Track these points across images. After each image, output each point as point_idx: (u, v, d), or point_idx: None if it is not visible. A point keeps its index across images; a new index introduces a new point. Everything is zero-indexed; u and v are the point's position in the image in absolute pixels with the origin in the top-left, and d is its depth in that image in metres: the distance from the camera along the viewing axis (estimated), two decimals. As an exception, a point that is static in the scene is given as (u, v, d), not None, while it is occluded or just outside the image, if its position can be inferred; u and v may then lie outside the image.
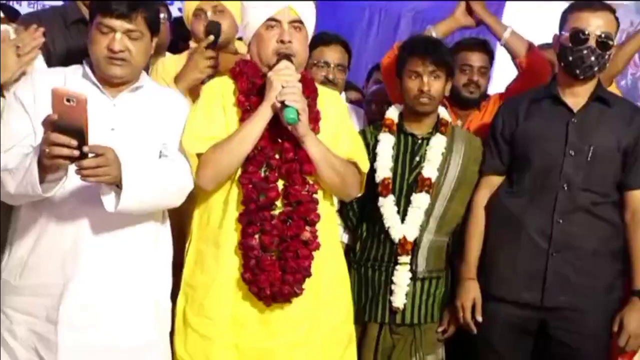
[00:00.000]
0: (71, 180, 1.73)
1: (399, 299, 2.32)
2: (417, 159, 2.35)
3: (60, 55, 2.17)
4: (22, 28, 2.05)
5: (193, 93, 2.25)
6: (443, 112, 2.38)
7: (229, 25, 2.41)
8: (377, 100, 2.89)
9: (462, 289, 2.33)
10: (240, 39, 2.72)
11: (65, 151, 1.58)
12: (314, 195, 1.98)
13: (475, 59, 2.70)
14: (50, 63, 2.13)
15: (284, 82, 1.87)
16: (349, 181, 2.05)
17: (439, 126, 2.35)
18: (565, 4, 2.33)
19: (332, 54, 2.60)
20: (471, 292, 2.31)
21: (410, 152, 2.35)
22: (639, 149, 2.23)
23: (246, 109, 1.96)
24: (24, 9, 4.51)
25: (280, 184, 1.96)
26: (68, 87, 1.58)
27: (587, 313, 2.23)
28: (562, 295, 2.22)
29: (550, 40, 2.35)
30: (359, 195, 2.17)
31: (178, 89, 2.22)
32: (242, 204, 1.95)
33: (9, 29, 2.01)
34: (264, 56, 1.97)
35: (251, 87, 1.98)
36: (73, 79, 1.88)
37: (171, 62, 2.46)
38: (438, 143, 2.33)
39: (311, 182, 1.98)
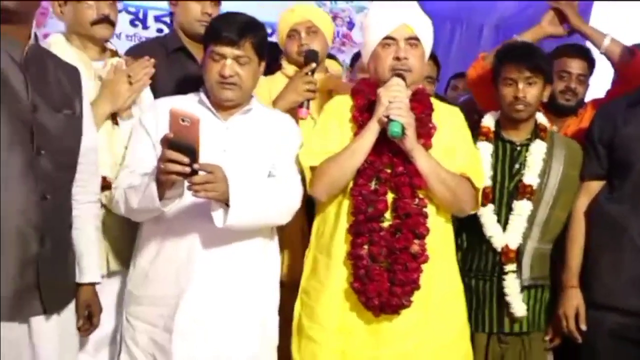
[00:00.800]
0: (187, 197, 1.85)
1: (518, 308, 2.29)
2: (517, 165, 2.33)
3: (162, 82, 2.31)
4: (131, 59, 2.22)
5: (291, 114, 2.35)
6: (541, 118, 2.37)
7: (322, 46, 2.50)
8: (467, 110, 2.91)
9: (565, 297, 2.31)
10: (330, 56, 2.83)
11: (178, 167, 1.70)
12: (424, 209, 2.01)
13: (575, 65, 2.66)
14: (153, 90, 2.27)
15: (392, 98, 1.93)
16: (461, 196, 2.06)
17: (538, 132, 2.34)
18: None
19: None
20: (574, 301, 2.29)
21: (509, 159, 2.34)
22: None
23: (360, 125, 2.05)
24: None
25: (390, 197, 2.01)
26: (184, 109, 1.70)
27: None
28: None
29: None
30: (474, 211, 2.19)
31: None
32: (352, 215, 2.02)
33: (121, 61, 2.19)
34: (381, 73, 2.05)
35: (366, 104, 2.06)
36: (190, 104, 2.01)
37: (264, 83, 2.55)
38: (538, 149, 2.32)
39: (421, 196, 2.02)
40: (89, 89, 2.00)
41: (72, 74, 1.85)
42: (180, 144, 1.68)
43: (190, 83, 2.25)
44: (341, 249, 2.05)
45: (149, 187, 1.79)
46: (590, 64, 2.72)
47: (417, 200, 2.00)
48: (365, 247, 1.99)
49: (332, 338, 2.04)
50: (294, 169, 2.09)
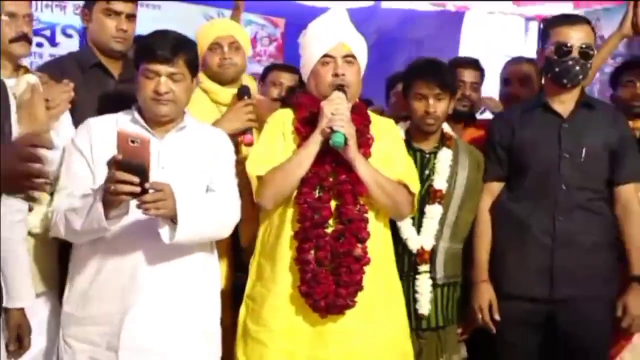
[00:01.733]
0: (127, 215, 1.85)
1: (424, 306, 2.41)
2: (427, 172, 2.46)
3: (80, 99, 2.26)
4: (47, 77, 2.16)
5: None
6: (446, 128, 2.53)
7: (243, 61, 2.55)
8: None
9: (477, 291, 2.46)
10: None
11: (128, 188, 1.70)
12: (365, 215, 2.11)
13: (468, 75, 2.88)
14: (72, 107, 2.20)
15: (334, 110, 2.03)
16: (399, 201, 2.17)
17: (444, 140, 2.49)
18: None
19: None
20: (486, 294, 2.45)
21: (419, 166, 2.45)
22: (624, 148, 2.42)
23: (303, 136, 2.12)
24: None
25: (332, 204, 2.09)
26: (129, 129, 1.71)
27: (591, 302, 2.39)
28: (568, 287, 2.37)
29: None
30: (411, 215, 2.31)
31: None
32: (298, 222, 2.09)
33: (36, 79, 2.10)
34: (321, 89, 2.14)
35: (308, 117, 2.14)
36: (124, 122, 2.01)
37: None
38: (445, 156, 2.46)
39: (362, 202, 2.11)
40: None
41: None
42: (130, 164, 1.69)
43: (109, 100, 2.23)
44: (286, 254, 2.11)
45: (95, 208, 1.77)
46: (481, 73, 2.96)
47: (358, 206, 2.10)
48: (312, 252, 2.07)
49: (278, 339, 2.09)
50: (231, 183, 2.13)
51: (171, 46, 1.96)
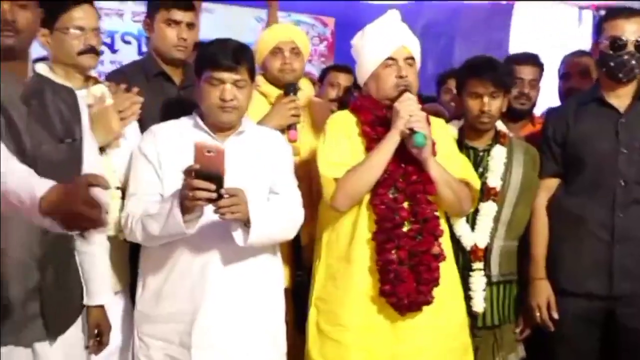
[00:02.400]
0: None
1: (478, 304, 2.41)
2: (480, 170, 2.45)
3: (145, 107, 2.32)
4: (115, 87, 2.25)
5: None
6: (500, 125, 2.52)
7: (301, 67, 2.61)
8: None
9: (535, 289, 2.46)
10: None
11: (206, 194, 1.79)
12: (436, 213, 2.17)
13: (526, 72, 2.83)
14: None
15: (410, 112, 2.08)
16: (464, 199, 2.24)
17: (498, 138, 2.48)
18: None
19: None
20: (544, 291, 2.45)
21: (473, 164, 2.44)
22: None
23: (373, 138, 2.17)
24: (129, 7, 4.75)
25: (405, 204, 2.14)
26: (206, 141, 1.83)
27: None
28: (627, 283, 2.36)
29: None
30: (472, 210, 2.36)
31: None
32: (377, 223, 2.13)
33: (104, 89, 2.21)
34: (385, 91, 2.18)
35: (375, 119, 2.18)
36: (186, 129, 2.09)
37: None
38: (499, 154, 2.45)
39: (434, 201, 2.17)
40: None
41: (70, 98, 1.87)
42: (207, 172, 1.78)
43: (172, 106, 2.31)
44: (362, 255, 2.16)
45: (172, 214, 1.86)
46: (540, 69, 2.90)
47: (431, 205, 2.16)
48: (393, 251, 2.11)
49: (358, 338, 2.15)
50: (293, 186, 2.19)
51: (234, 54, 2.02)
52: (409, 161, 2.14)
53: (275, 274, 2.18)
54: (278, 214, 2.07)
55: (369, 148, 2.17)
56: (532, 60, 2.91)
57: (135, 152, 2.11)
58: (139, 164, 2.08)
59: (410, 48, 2.22)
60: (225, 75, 2.01)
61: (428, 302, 2.13)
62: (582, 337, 2.45)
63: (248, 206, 1.91)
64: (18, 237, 1.68)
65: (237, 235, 1.96)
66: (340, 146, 2.19)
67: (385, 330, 2.16)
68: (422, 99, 2.51)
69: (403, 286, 2.10)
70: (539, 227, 2.50)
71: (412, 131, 2.07)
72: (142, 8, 4.79)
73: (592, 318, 2.42)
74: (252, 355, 2.08)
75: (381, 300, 2.14)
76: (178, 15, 2.51)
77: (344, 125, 2.24)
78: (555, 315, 2.44)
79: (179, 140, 2.06)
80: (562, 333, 2.45)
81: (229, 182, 1.91)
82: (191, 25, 2.54)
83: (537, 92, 2.89)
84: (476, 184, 2.29)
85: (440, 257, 2.16)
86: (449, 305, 2.22)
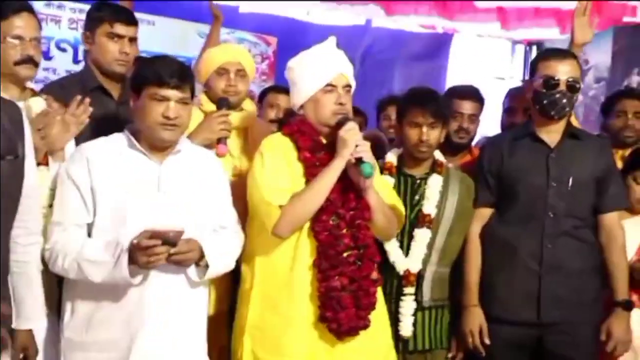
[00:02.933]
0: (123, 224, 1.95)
1: (406, 328, 2.46)
2: (417, 197, 2.51)
3: None
4: (52, 100, 2.17)
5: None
6: (438, 155, 2.57)
7: (245, 88, 2.58)
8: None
9: (467, 315, 2.50)
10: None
11: (162, 257, 1.89)
12: (374, 239, 2.21)
13: (467, 107, 2.87)
14: None
15: (357, 141, 2.10)
16: (394, 223, 2.30)
17: (436, 167, 2.54)
18: None
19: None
20: (477, 318, 2.49)
21: (410, 191, 2.52)
22: (608, 177, 2.49)
23: (313, 165, 2.16)
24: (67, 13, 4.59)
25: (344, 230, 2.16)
26: (162, 227, 1.88)
27: (578, 325, 2.45)
28: (556, 311, 2.43)
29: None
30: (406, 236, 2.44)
31: None
32: (320, 251, 2.12)
33: (43, 105, 2.11)
34: (323, 116, 2.18)
35: (314, 145, 2.18)
36: (120, 148, 2.04)
37: None
38: (435, 182, 2.51)
39: (369, 226, 2.20)
40: None
41: (14, 113, 1.80)
42: (164, 238, 1.87)
43: (109, 121, 2.24)
44: (303, 281, 2.15)
45: (119, 268, 1.89)
46: (481, 104, 2.96)
47: (369, 231, 2.19)
48: (336, 278, 2.11)
49: None
50: (235, 215, 2.21)
51: (180, 72, 2.01)
52: (347, 188, 2.16)
53: (202, 298, 2.16)
54: (229, 249, 2.12)
55: (309, 174, 2.17)
56: (473, 95, 2.95)
57: (62, 175, 2.03)
58: (65, 189, 2.01)
59: (348, 76, 2.24)
60: (170, 92, 1.99)
61: (366, 326, 2.15)
62: None
63: (202, 248, 1.97)
64: None
65: (192, 272, 2.01)
66: (281, 171, 2.17)
67: (326, 355, 2.17)
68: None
69: (345, 312, 2.11)
70: (473, 255, 2.55)
71: (359, 161, 2.09)
72: (79, 15, 4.68)
73: (522, 344, 2.49)
74: None
75: (321, 326, 2.14)
76: (121, 29, 2.47)
77: (281, 149, 2.22)
78: (487, 341, 2.48)
79: (112, 160, 2.01)
80: (493, 358, 2.50)
81: (165, 202, 1.94)
82: (133, 40, 2.50)
83: (476, 127, 2.95)
84: (402, 208, 2.35)
85: (378, 282, 2.19)
86: (377, 327, 2.24)
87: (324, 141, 2.22)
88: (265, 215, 2.14)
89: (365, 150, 2.10)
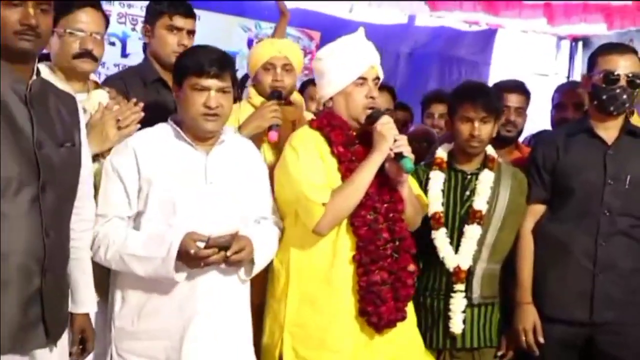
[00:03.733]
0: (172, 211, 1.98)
1: (456, 325, 2.44)
2: (468, 193, 2.49)
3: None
4: (115, 92, 2.20)
5: (253, 139, 2.43)
6: (490, 150, 2.54)
7: (293, 82, 2.60)
8: (417, 140, 3.07)
9: (521, 313, 2.47)
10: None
11: (217, 259, 1.92)
12: (408, 230, 2.22)
13: (513, 99, 2.85)
14: None
15: (395, 135, 2.09)
16: (420, 214, 2.33)
17: (487, 162, 2.50)
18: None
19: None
20: (531, 316, 2.47)
21: (460, 187, 2.49)
22: None
23: (349, 159, 2.14)
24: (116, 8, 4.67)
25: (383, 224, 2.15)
26: (219, 236, 1.91)
27: (631, 326, 2.41)
28: (609, 311, 2.40)
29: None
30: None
31: (242, 134, 2.37)
32: (360, 245, 2.11)
33: (107, 97, 2.15)
34: (356, 110, 2.17)
35: (346, 139, 2.15)
36: (166, 138, 2.05)
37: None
38: (487, 178, 2.47)
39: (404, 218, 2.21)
40: None
41: (71, 104, 1.84)
42: (217, 244, 1.91)
43: (169, 113, 2.24)
44: (344, 276, 2.15)
45: (165, 265, 1.91)
46: (527, 97, 2.93)
47: (404, 223, 2.19)
48: (376, 272, 2.11)
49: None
50: (274, 207, 2.22)
51: (220, 61, 2.01)
52: (382, 182, 2.16)
53: (247, 289, 2.17)
54: (271, 243, 2.15)
55: (345, 169, 2.15)
56: (519, 88, 2.93)
57: (107, 167, 2.04)
58: (110, 182, 2.02)
59: (378, 69, 2.22)
60: (210, 82, 1.99)
61: (404, 318, 2.17)
62: None
63: (252, 245, 1.98)
64: (20, 241, 1.64)
65: (241, 271, 2.06)
66: (316, 167, 2.15)
67: (366, 348, 2.17)
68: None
69: (385, 306, 2.11)
70: (526, 252, 2.52)
71: (399, 155, 2.07)
72: (127, 10, 4.76)
73: (573, 343, 2.46)
74: None
75: (361, 319, 2.14)
76: (180, 21, 2.50)
77: (314, 144, 2.18)
78: (541, 340, 2.45)
79: (160, 150, 2.03)
80: (544, 357, 2.47)
81: (213, 192, 1.99)
82: (191, 33, 2.53)
83: (523, 120, 2.92)
84: (424, 199, 2.39)
85: (414, 273, 2.21)
86: (409, 320, 2.27)
87: (354, 134, 2.20)
88: (305, 212, 2.11)
89: (404, 144, 2.09)
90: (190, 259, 1.88)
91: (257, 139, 2.46)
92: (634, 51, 2.47)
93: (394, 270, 2.15)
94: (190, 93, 2.00)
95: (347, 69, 2.17)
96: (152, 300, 2.00)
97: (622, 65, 2.38)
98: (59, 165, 1.73)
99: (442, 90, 3.78)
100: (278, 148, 2.46)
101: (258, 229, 2.12)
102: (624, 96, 2.38)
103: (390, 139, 2.09)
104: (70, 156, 1.78)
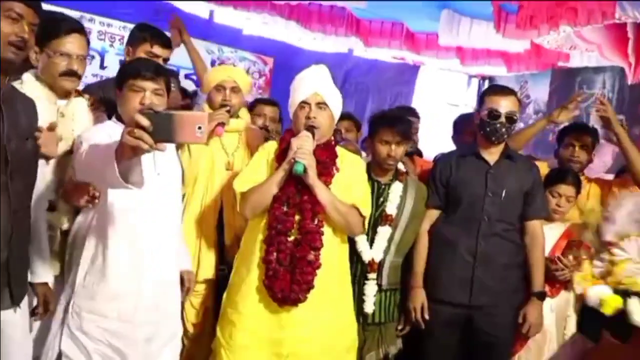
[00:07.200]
0: (131, 198, 1.90)
1: (368, 306, 2.59)
2: (381, 199, 2.62)
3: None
4: (93, 99, 2.23)
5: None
6: (400, 165, 2.68)
7: (239, 101, 2.72)
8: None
9: (413, 295, 2.64)
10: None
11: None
12: (320, 228, 2.23)
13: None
14: None
15: (299, 145, 2.17)
16: (351, 221, 2.27)
17: (398, 175, 2.65)
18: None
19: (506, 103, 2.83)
20: (420, 297, 2.63)
21: (376, 194, 2.61)
22: (534, 191, 2.65)
23: (280, 164, 2.27)
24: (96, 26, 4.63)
25: (297, 218, 2.24)
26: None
27: (501, 309, 2.58)
28: (484, 296, 2.57)
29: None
30: (362, 233, 2.43)
31: None
32: (267, 230, 2.25)
33: (84, 102, 2.18)
34: (298, 128, 2.28)
35: (285, 149, 2.27)
36: (110, 135, 1.95)
37: None
38: (397, 188, 2.63)
39: (321, 218, 2.24)
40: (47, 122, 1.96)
41: (30, 106, 1.85)
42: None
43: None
44: (257, 254, 2.27)
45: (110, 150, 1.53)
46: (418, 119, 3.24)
47: (316, 221, 2.23)
48: (274, 254, 2.22)
49: (245, 320, 2.25)
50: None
51: (155, 68, 2.04)
52: (305, 185, 2.22)
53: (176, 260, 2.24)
54: None
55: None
56: (412, 112, 3.25)
57: (77, 143, 2.00)
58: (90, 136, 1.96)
59: (324, 95, 2.26)
60: (146, 83, 2.00)
61: (300, 300, 2.19)
62: (446, 335, 2.64)
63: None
64: None
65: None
66: (259, 168, 2.31)
67: (269, 317, 2.24)
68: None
69: (278, 283, 2.19)
70: (421, 248, 2.68)
71: (295, 161, 2.14)
72: (107, 28, 4.76)
73: (457, 321, 2.63)
74: (173, 323, 2.21)
75: (264, 291, 2.24)
76: (159, 50, 2.59)
77: (267, 152, 2.36)
78: (427, 317, 2.62)
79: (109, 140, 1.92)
80: (433, 332, 2.63)
81: (160, 183, 2.03)
82: (166, 61, 2.62)
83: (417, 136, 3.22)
84: (365, 211, 2.30)
85: (314, 264, 2.20)
86: (334, 307, 2.31)
87: None
88: (236, 199, 2.30)
89: (303, 153, 2.13)
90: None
91: (259, 139, 2.64)
92: (514, 93, 2.66)
93: (295, 257, 2.20)
94: (128, 93, 2.01)
95: (295, 95, 2.29)
96: (108, 263, 2.00)
97: (503, 105, 2.56)
98: (24, 157, 1.75)
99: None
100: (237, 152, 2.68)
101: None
102: (503, 129, 2.57)
103: (294, 148, 2.16)
104: (32, 149, 1.80)
